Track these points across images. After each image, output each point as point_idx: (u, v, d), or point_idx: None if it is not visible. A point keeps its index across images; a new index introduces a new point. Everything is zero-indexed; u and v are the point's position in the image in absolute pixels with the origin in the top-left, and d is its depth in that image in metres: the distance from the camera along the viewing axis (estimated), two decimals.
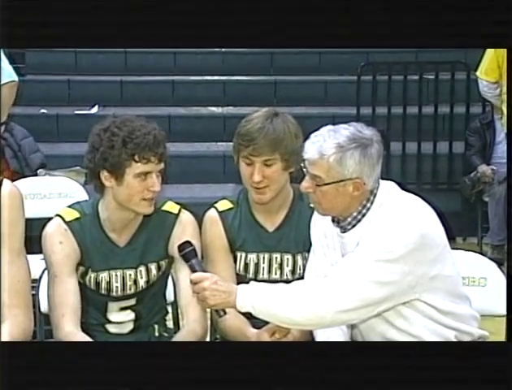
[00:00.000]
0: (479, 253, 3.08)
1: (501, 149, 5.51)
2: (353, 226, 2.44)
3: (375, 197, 2.43)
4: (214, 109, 6.69)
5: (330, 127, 2.43)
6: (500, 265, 2.84)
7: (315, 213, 2.59)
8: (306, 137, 2.47)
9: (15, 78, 4.78)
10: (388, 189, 2.46)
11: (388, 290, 2.32)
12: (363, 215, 2.43)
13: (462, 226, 5.58)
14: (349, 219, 2.44)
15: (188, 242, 2.47)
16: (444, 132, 6.06)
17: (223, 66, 6.69)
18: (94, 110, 6.50)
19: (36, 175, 4.95)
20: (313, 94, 6.60)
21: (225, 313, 2.41)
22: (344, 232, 2.47)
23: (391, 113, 6.05)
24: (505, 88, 4.95)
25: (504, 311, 2.65)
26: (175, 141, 5.15)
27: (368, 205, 2.43)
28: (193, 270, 2.40)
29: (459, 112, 6.00)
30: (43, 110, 6.39)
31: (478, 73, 5.09)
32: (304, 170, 2.44)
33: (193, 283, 2.38)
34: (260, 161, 2.59)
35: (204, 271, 2.41)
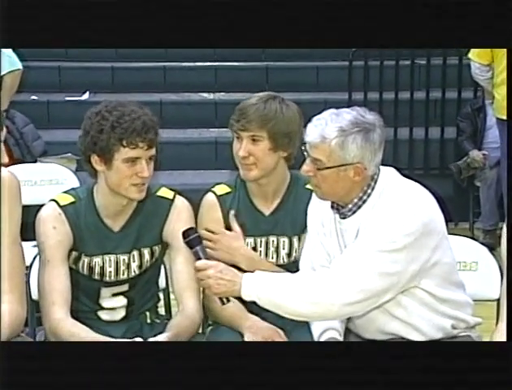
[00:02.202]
0: (470, 237, 3.09)
1: (492, 134, 5.51)
2: (354, 212, 2.43)
3: (375, 183, 2.42)
4: (205, 95, 6.67)
5: (333, 110, 2.42)
6: (491, 249, 2.84)
7: (312, 200, 2.59)
8: (306, 123, 2.46)
9: (20, 66, 4.80)
10: (389, 175, 2.45)
11: (393, 280, 2.32)
12: (364, 202, 2.42)
13: (454, 211, 5.59)
14: (350, 206, 2.43)
15: (192, 229, 2.47)
16: (435, 117, 6.07)
17: (214, 52, 6.67)
18: (85, 96, 6.48)
19: (36, 162, 4.94)
20: (305, 80, 6.58)
21: (228, 301, 2.41)
22: (343, 218, 2.46)
23: (383, 98, 6.05)
24: (496, 72, 4.94)
25: (495, 296, 2.67)
26: (167, 128, 5.13)
27: (369, 191, 2.42)
28: (198, 258, 2.40)
29: (451, 97, 6.00)
30: (34, 97, 6.36)
31: (470, 55, 5.08)
32: (305, 153, 2.44)
33: (198, 270, 2.38)
34: (247, 136, 2.60)
35: (208, 259, 2.41)
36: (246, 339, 2.58)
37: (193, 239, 2.43)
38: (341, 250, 2.46)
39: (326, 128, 2.36)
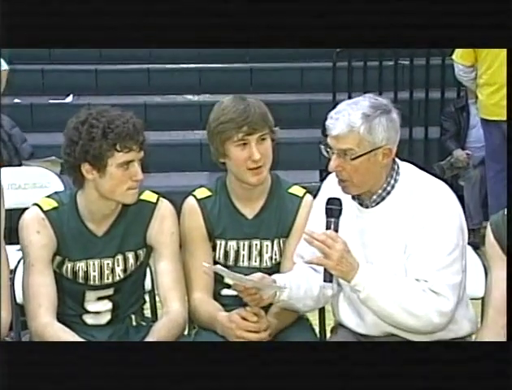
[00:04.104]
0: None
1: (475, 133, 5.54)
2: (377, 203, 2.47)
3: (398, 175, 2.47)
4: (190, 97, 6.67)
5: (347, 101, 2.47)
6: (475, 248, 2.86)
7: (312, 212, 2.58)
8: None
9: (6, 66, 4.78)
10: (410, 168, 2.51)
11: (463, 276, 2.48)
12: (388, 193, 2.46)
13: None
14: (375, 197, 2.47)
15: (338, 200, 2.43)
16: (419, 117, 6.09)
17: (198, 53, 6.66)
18: (69, 99, 6.46)
19: (21, 165, 4.91)
20: (289, 81, 6.60)
21: (331, 281, 2.39)
22: (366, 208, 2.48)
23: None
24: (479, 72, 4.97)
25: (480, 294, 2.68)
26: (152, 130, 5.12)
27: (392, 182, 2.46)
28: (329, 228, 2.39)
29: (434, 97, 6.02)
30: (17, 100, 6.34)
31: (454, 57, 5.11)
32: (327, 151, 2.44)
33: (327, 237, 2.36)
34: (255, 138, 2.59)
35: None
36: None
37: (334, 209, 2.41)
38: (362, 241, 2.46)
39: (350, 117, 2.39)
